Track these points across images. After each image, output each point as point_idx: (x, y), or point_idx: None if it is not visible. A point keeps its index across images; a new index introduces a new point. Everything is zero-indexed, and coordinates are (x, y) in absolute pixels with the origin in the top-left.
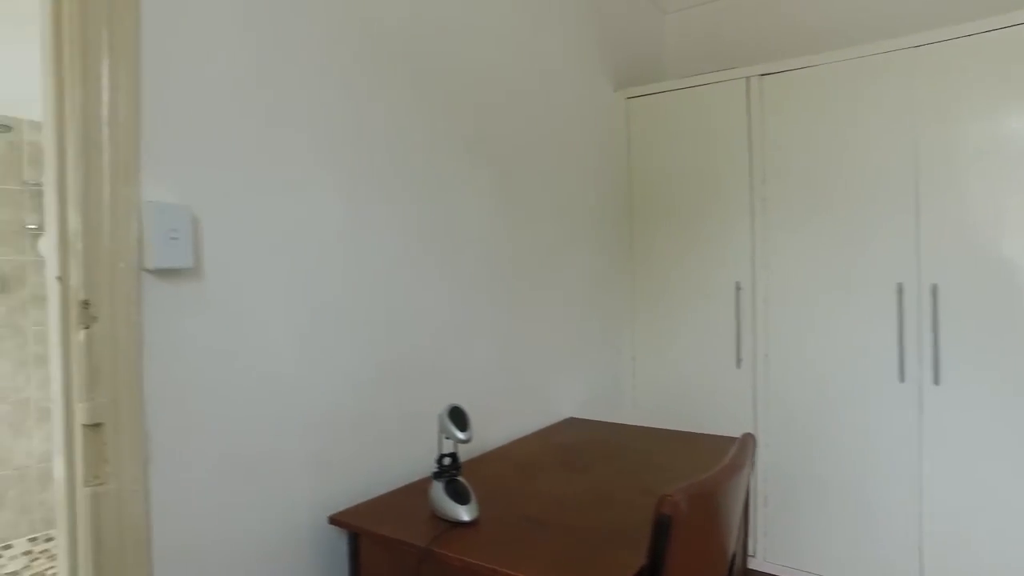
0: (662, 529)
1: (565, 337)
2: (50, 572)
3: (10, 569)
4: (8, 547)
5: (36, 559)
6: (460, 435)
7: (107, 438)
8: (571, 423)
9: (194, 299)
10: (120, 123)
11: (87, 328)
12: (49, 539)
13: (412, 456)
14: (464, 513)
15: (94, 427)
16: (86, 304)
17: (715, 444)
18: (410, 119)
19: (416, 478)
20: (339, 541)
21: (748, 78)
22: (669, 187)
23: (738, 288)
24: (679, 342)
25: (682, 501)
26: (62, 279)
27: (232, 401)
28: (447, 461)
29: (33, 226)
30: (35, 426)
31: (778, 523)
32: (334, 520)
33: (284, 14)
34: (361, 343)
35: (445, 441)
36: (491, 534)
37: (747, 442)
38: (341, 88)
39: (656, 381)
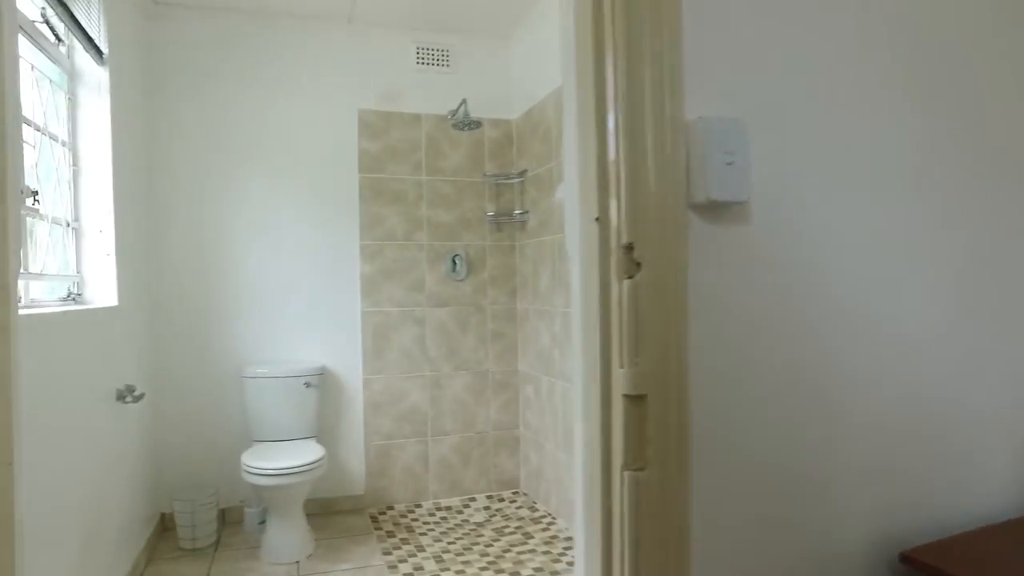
0: None
1: None
2: (508, 530)
3: (476, 520)
4: (473, 499)
5: (493, 515)
6: None
7: (651, 413)
8: None
9: (742, 244)
10: (663, 33)
11: (631, 278)
12: (502, 499)
13: (987, 482)
14: None
15: (636, 399)
16: (629, 248)
17: None
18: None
19: (1002, 516)
20: None
21: None
22: None
23: None
24: None
25: None
26: (600, 220)
27: (777, 380)
28: None
29: (491, 213)
30: (492, 396)
31: None
32: (908, 558)
33: None
34: (928, 307)
35: None
36: None
37: None
38: None
39: None
